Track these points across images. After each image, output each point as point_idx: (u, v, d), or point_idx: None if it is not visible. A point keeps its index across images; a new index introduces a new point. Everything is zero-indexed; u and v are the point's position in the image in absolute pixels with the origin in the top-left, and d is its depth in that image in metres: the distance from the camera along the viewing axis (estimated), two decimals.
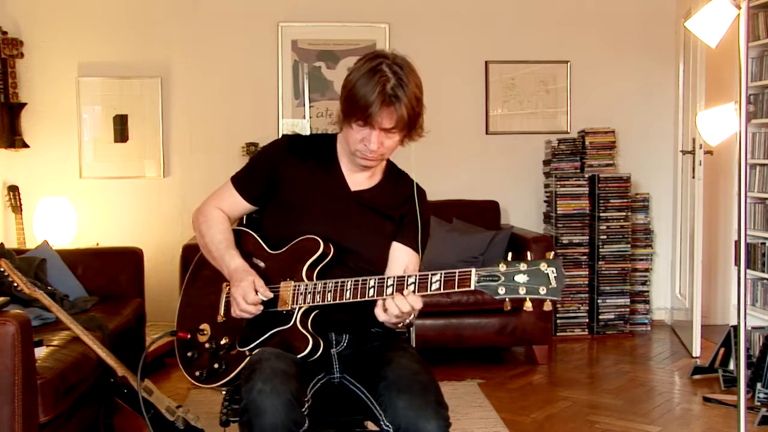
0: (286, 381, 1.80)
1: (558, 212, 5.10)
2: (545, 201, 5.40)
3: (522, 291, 1.63)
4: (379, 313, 1.86)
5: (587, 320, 5.11)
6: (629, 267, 5.15)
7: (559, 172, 5.15)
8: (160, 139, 5.15)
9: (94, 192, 5.15)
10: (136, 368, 2.53)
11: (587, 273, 5.13)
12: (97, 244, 4.89)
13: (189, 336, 2.14)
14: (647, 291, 5.33)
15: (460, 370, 4.31)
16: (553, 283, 1.61)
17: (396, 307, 1.83)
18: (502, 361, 4.60)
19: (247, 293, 1.98)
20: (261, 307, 2.00)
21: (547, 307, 1.66)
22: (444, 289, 1.73)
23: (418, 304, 1.82)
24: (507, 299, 1.68)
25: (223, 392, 2.13)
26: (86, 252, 4.10)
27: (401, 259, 2.11)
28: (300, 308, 1.96)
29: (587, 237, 5.13)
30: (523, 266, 1.64)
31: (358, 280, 1.89)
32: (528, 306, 1.66)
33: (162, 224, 5.19)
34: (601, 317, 5.11)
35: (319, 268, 2.02)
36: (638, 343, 4.97)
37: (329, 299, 1.92)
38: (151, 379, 2.91)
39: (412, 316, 1.91)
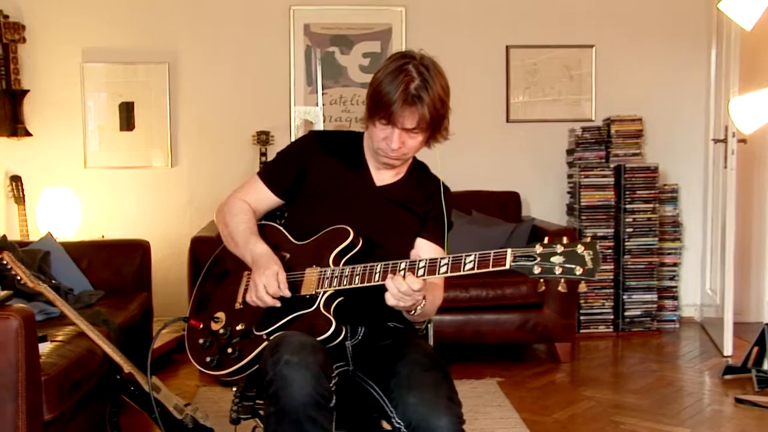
0: (315, 353, 1.84)
1: (582, 204, 5.07)
2: (568, 192, 5.37)
3: (558, 271, 1.67)
4: (387, 297, 1.89)
5: (612, 317, 5.08)
6: (657, 261, 5.11)
7: (583, 162, 5.12)
8: (168, 128, 5.15)
9: (99, 182, 5.15)
10: (142, 365, 2.55)
11: (612, 267, 5.11)
12: (103, 236, 4.89)
13: (201, 325, 2.16)
14: (675, 286, 5.30)
15: (478, 367, 4.29)
16: (590, 264, 1.65)
17: (394, 287, 1.87)
18: (523, 358, 4.58)
19: (269, 283, 2.01)
20: (277, 302, 2.02)
21: (582, 288, 1.71)
22: (478, 269, 1.76)
23: (416, 284, 1.85)
24: (541, 279, 1.72)
25: (234, 389, 2.14)
26: (91, 244, 4.11)
27: (426, 255, 2.12)
28: (325, 293, 2.00)
29: (612, 230, 5.10)
30: (559, 248, 1.69)
31: (389, 264, 1.93)
32: (562, 287, 1.70)
33: (170, 216, 5.19)
34: (626, 314, 5.07)
35: (346, 258, 2.07)
36: (666, 341, 4.95)
37: (356, 282, 1.96)
38: (159, 376, 3.00)
39: (422, 303, 1.96)
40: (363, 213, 2.16)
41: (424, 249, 2.14)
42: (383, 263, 1.94)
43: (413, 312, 2.00)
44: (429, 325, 2.35)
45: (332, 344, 1.98)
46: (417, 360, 1.98)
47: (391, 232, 2.15)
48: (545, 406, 3.67)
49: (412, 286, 1.86)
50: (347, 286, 1.98)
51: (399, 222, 2.18)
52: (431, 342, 2.33)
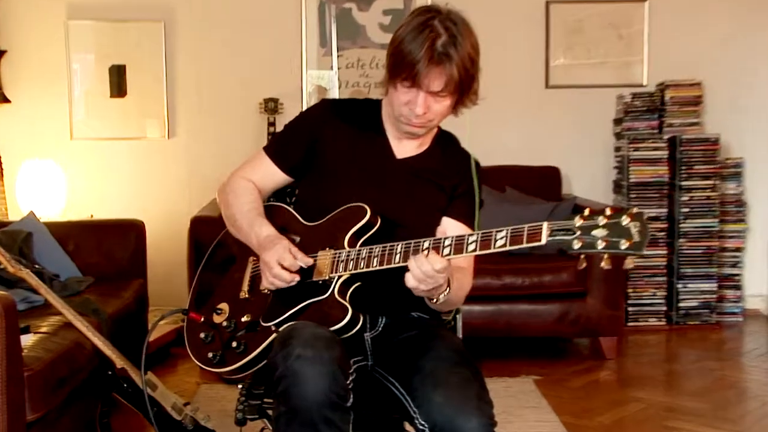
0: (330, 347, 1.85)
1: (630, 180, 5.06)
2: (615, 167, 5.36)
3: (600, 245, 1.66)
4: (407, 277, 1.90)
5: (665, 308, 5.07)
6: (717, 246, 5.10)
7: (633, 133, 5.11)
8: (164, 94, 5.16)
9: (87, 155, 5.18)
10: (137, 359, 2.57)
11: (666, 253, 5.08)
12: (92, 215, 4.91)
13: (202, 318, 2.18)
14: (739, 274, 5.27)
15: (513, 364, 4.30)
16: (637, 237, 1.64)
17: (416, 266, 1.87)
18: (563, 354, 4.61)
19: (282, 256, 2.03)
20: (298, 277, 2.04)
21: (629, 264, 1.70)
22: (510, 246, 1.75)
23: (439, 264, 1.85)
24: (582, 255, 1.71)
25: (239, 387, 2.16)
26: (79, 225, 4.14)
27: (455, 234, 2.16)
28: (340, 277, 2.02)
29: (666, 210, 5.08)
30: (602, 220, 1.67)
31: (410, 243, 1.93)
32: (605, 263, 1.69)
33: (167, 193, 5.22)
34: (681, 305, 5.06)
35: (363, 239, 2.08)
36: (727, 336, 4.94)
37: (375, 264, 1.97)
38: (155, 373, 2.93)
39: (445, 290, 1.96)
40: (382, 189, 2.18)
41: (451, 229, 2.11)
42: (404, 242, 1.95)
43: (435, 300, 2.00)
44: (458, 316, 2.36)
45: (348, 335, 1.98)
46: (443, 355, 2.00)
47: (413, 209, 2.17)
48: (588, 408, 3.67)
49: (434, 265, 1.85)
50: (365, 270, 1.99)
51: (423, 198, 2.19)
52: (460, 335, 2.35)
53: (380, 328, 2.17)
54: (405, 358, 2.06)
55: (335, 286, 2.01)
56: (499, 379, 4.04)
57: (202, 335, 2.15)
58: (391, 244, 1.97)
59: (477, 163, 2.28)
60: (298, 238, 2.15)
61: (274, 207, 2.29)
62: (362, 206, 2.09)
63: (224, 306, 2.18)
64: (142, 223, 4.14)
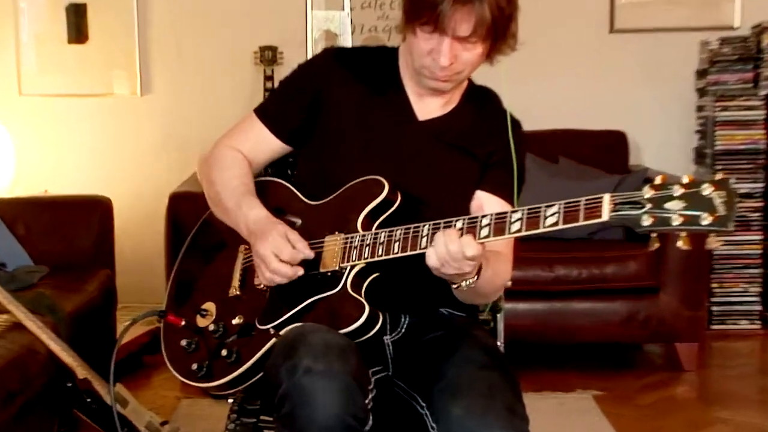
0: (345, 358, 1.86)
1: (717, 148, 5.05)
2: (698, 131, 5.35)
3: (676, 221, 1.63)
4: (429, 254, 1.89)
5: (759, 308, 5.03)
6: None
7: (721, 88, 5.08)
8: (135, 41, 5.16)
9: (39, 116, 5.19)
10: (104, 368, 2.56)
11: (760, 238, 5.06)
12: (46, 191, 4.95)
13: (183, 322, 2.18)
14: None
15: (567, 376, 4.29)
16: (722, 210, 1.60)
17: (442, 243, 1.87)
18: (630, 364, 4.60)
19: (280, 247, 2.03)
20: (300, 269, 2.05)
21: (712, 244, 1.67)
22: (564, 224, 1.74)
23: (471, 250, 1.84)
24: (654, 234, 1.68)
25: (230, 402, 2.18)
26: (31, 202, 4.20)
27: (490, 212, 2.12)
28: (353, 267, 2.02)
29: (762, 185, 5.05)
30: (678, 190, 1.64)
31: (439, 223, 1.93)
32: (683, 243, 1.67)
33: (139, 163, 5.24)
34: None
35: (380, 220, 2.07)
36: None
37: (396, 250, 1.96)
38: (126, 384, 2.97)
39: (472, 278, 1.95)
40: (401, 158, 2.19)
41: (488, 205, 2.13)
42: (432, 223, 1.93)
43: (457, 286, 1.99)
44: (498, 316, 2.38)
45: (365, 338, 1.98)
46: (470, 357, 2.01)
47: (440, 183, 2.18)
48: (660, 429, 3.65)
49: (466, 250, 1.85)
50: (384, 257, 1.99)
51: (451, 169, 2.20)
52: (501, 340, 2.36)
53: (403, 330, 2.18)
54: (427, 363, 2.06)
55: (348, 278, 2.01)
56: (551, 394, 4.02)
57: (183, 343, 2.16)
58: (416, 225, 1.96)
59: (516, 123, 2.27)
60: (298, 221, 2.17)
61: (267, 183, 2.30)
62: (378, 180, 2.09)
63: (210, 306, 2.18)
64: (109, 200, 4.15)
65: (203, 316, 2.16)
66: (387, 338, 2.16)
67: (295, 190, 2.23)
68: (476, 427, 1.84)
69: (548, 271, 4.33)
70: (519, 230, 1.80)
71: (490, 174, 2.21)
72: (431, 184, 2.16)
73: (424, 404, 2.00)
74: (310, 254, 2.04)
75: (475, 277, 1.96)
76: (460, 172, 2.21)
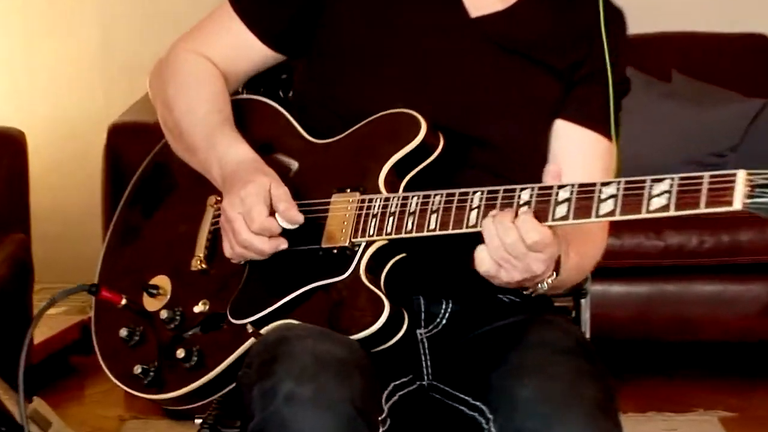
0: (345, 377, 1.81)
1: None
2: None
3: None
4: (478, 254, 1.86)
5: None
6: None
7: None
8: None
9: None
10: (12, 375, 2.46)
11: None
12: None
13: (123, 300, 2.14)
14: None
15: (681, 389, 4.28)
16: None
17: (495, 236, 1.81)
18: None
19: (252, 209, 1.95)
20: (283, 242, 1.98)
21: None
22: (676, 211, 1.68)
23: (537, 235, 1.79)
24: None
25: (198, 422, 2.14)
26: None
27: (579, 152, 2.12)
28: (369, 245, 1.97)
29: None
30: None
31: (497, 191, 1.84)
32: None
33: (64, 83, 5.35)
34: None
35: (412, 174, 2.03)
36: None
37: (432, 226, 1.91)
38: (48, 399, 3.08)
39: (550, 276, 1.91)
40: (447, 76, 2.11)
41: (572, 143, 2.12)
42: (487, 190, 1.84)
43: (533, 291, 1.96)
44: (583, 302, 2.40)
45: (384, 347, 1.95)
46: (546, 339, 2.02)
47: (503, 111, 2.10)
48: None
49: (527, 237, 1.77)
50: (413, 234, 1.92)
51: (520, 89, 2.12)
52: (587, 332, 2.34)
53: (444, 320, 2.14)
54: (480, 357, 2.04)
55: (362, 260, 1.96)
56: (658, 415, 4.01)
57: (123, 332, 2.12)
58: (463, 191, 1.88)
59: (614, 14, 2.18)
60: (295, 165, 2.14)
61: (249, 105, 2.25)
62: (413, 116, 2.01)
63: (163, 282, 2.15)
64: (22, 134, 4.22)
65: (152, 295, 2.15)
66: (421, 332, 2.13)
67: (291, 119, 2.18)
68: (553, 415, 1.83)
69: (655, 239, 4.16)
70: (613, 212, 1.75)
71: (577, 94, 2.18)
72: (491, 114, 2.11)
73: (477, 403, 1.98)
74: (296, 219, 1.99)
75: (553, 275, 1.91)
76: (533, 93, 2.15)
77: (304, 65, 2.26)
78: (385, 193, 1.98)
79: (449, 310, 2.15)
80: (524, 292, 1.95)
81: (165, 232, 2.25)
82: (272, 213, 1.98)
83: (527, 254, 1.79)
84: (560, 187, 1.78)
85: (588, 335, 2.30)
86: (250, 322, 1.99)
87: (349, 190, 2.02)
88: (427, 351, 2.14)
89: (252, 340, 1.96)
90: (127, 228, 2.33)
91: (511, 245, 1.78)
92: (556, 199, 1.78)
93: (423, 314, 2.13)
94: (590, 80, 2.16)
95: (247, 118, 2.21)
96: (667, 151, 4.36)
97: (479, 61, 2.12)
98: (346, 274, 1.96)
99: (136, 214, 2.34)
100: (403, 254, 1.98)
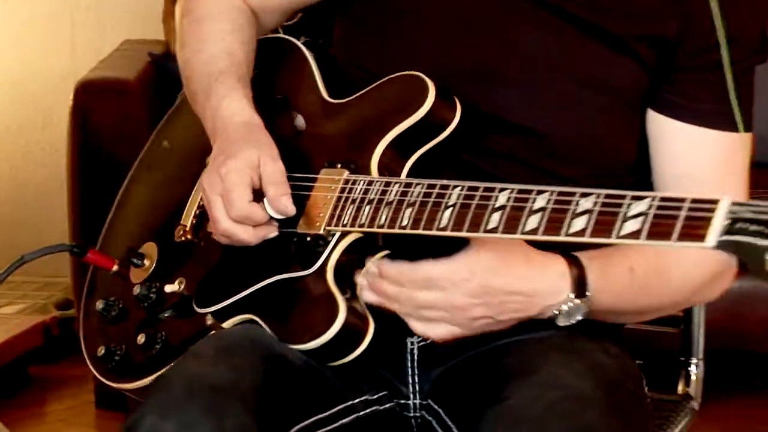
0: (214, 411, 1.71)
1: None
2: None
3: None
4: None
5: None
6: None
7: None
8: None
9: None
10: None
11: None
12: None
13: (115, 267, 2.10)
14: None
15: None
16: None
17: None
18: None
19: (232, 191, 1.85)
20: (269, 231, 1.91)
21: None
22: (648, 238, 1.56)
23: (392, 268, 1.75)
24: None
25: None
26: None
27: (696, 155, 1.94)
28: (343, 236, 1.85)
29: None
30: None
31: (477, 188, 1.69)
32: None
33: (23, 33, 5.11)
34: None
35: (419, 154, 1.89)
36: None
37: (404, 222, 1.80)
38: (3, 417, 3.09)
39: (558, 307, 1.81)
40: (482, 37, 1.95)
41: (683, 145, 1.93)
42: (468, 185, 1.70)
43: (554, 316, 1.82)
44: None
45: (342, 361, 1.83)
46: (557, 376, 1.85)
47: (551, 88, 1.94)
48: None
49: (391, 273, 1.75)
50: (385, 230, 1.78)
51: (586, 70, 1.91)
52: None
53: None
54: (477, 379, 1.90)
55: (331, 254, 1.84)
56: None
57: (99, 305, 2.07)
58: (445, 182, 1.77)
59: None
60: (302, 125, 2.03)
61: (281, 46, 2.13)
62: (420, 79, 1.87)
63: (150, 250, 2.07)
64: None
65: (137, 265, 2.07)
66: (412, 340, 1.98)
67: (315, 72, 2.07)
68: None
69: None
70: (535, 230, 1.66)
71: (679, 84, 1.96)
72: (531, 91, 1.94)
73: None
74: (286, 211, 1.90)
75: (571, 302, 1.81)
76: (604, 70, 1.95)
77: (342, 14, 2.21)
78: (371, 175, 1.90)
79: None
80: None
81: (165, 193, 2.22)
82: (261, 195, 1.92)
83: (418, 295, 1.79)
84: (539, 192, 1.68)
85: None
86: (211, 313, 1.96)
87: (339, 166, 1.96)
88: (416, 364, 2.04)
89: (212, 333, 1.91)
90: (136, 186, 2.30)
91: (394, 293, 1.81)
92: (531, 208, 1.70)
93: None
94: (696, 63, 1.99)
95: (271, 59, 2.16)
96: None
97: (531, 24, 1.99)
98: (313, 269, 1.89)
99: (146, 171, 2.28)
100: (387, 251, 1.86)
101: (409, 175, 1.93)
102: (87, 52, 4.94)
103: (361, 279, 1.84)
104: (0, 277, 2.16)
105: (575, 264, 1.79)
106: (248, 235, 1.91)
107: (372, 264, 1.81)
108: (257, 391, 1.79)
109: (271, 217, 1.95)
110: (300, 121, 2.10)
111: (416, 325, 1.82)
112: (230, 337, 1.90)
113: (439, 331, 1.82)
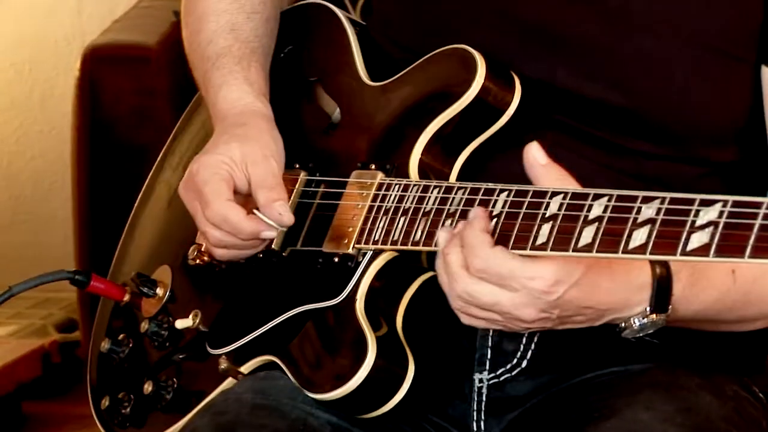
0: None
1: None
2: None
3: None
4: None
5: None
6: None
7: None
8: None
9: None
10: None
11: None
12: None
13: (127, 294, 1.93)
14: None
15: None
16: None
17: (440, 265, 1.52)
18: None
19: (203, 186, 1.72)
20: (261, 242, 1.73)
21: None
22: (715, 255, 1.34)
23: (494, 264, 1.49)
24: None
25: None
26: None
27: None
28: (376, 255, 1.66)
29: None
30: None
31: (526, 192, 1.50)
32: None
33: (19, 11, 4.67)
34: None
35: (472, 149, 1.70)
36: None
37: (417, 237, 1.63)
38: None
39: (628, 316, 1.61)
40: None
41: None
42: (515, 189, 1.49)
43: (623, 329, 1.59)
44: None
45: (373, 415, 1.65)
46: (643, 426, 1.65)
47: (666, 48, 1.71)
48: None
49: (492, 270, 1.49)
50: (420, 247, 1.60)
51: (685, 26, 1.70)
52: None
53: (523, 362, 1.80)
54: (556, 424, 1.72)
55: (361, 279, 1.65)
56: None
57: (105, 346, 1.93)
58: (490, 186, 1.56)
59: None
60: (335, 112, 1.87)
61: (319, 15, 1.98)
62: (468, 54, 1.68)
63: (164, 275, 1.90)
64: None
65: (150, 295, 1.90)
66: (482, 377, 1.79)
67: (354, 47, 1.91)
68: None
69: None
70: (590, 246, 1.43)
71: None
72: (614, 54, 1.73)
73: None
74: (281, 220, 1.71)
75: (645, 317, 1.60)
76: (710, 29, 1.74)
77: None
78: (409, 178, 1.68)
79: (531, 348, 1.81)
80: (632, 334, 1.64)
81: (182, 209, 1.91)
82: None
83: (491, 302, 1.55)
84: (554, 194, 1.49)
85: None
86: (225, 353, 1.78)
87: (373, 167, 1.75)
88: (483, 406, 1.83)
89: (230, 380, 1.71)
90: (153, 199, 2.12)
91: (455, 288, 1.57)
92: (543, 214, 1.50)
93: (489, 351, 1.81)
94: None
95: (307, 31, 2.01)
96: None
97: None
98: (340, 298, 1.70)
99: (163, 182, 2.09)
100: (431, 272, 1.62)
101: (462, 177, 1.69)
102: (97, 10, 4.66)
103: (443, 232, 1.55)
104: None
105: (661, 271, 1.60)
106: (228, 254, 1.80)
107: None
108: None
109: (276, 228, 1.75)
110: (333, 108, 1.94)
111: (461, 316, 1.60)
112: (230, 411, 1.72)
113: (478, 324, 1.63)
